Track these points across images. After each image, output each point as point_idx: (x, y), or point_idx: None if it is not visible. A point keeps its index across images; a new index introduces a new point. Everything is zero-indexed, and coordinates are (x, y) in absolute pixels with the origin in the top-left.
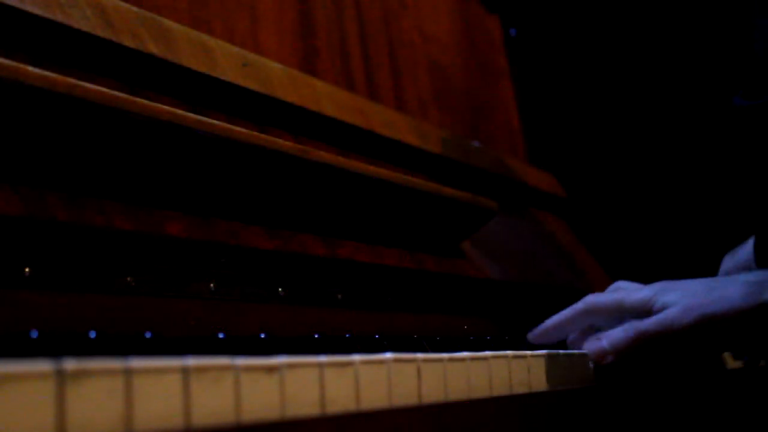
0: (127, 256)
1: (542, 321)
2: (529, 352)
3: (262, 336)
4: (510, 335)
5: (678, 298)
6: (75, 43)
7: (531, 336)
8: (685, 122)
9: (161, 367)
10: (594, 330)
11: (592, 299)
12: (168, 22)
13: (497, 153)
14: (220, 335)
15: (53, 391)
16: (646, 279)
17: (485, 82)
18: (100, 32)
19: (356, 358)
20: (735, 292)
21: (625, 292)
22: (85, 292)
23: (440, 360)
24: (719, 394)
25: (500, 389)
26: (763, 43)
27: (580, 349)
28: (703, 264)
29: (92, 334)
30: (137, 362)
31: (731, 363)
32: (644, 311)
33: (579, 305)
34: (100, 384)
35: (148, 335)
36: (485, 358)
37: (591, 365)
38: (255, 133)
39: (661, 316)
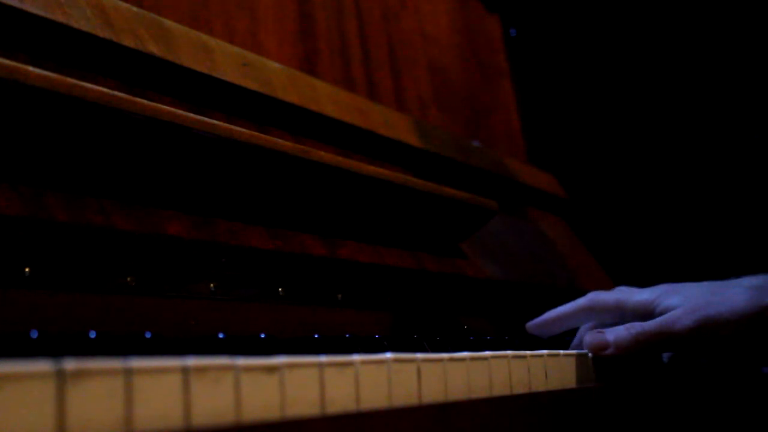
0: (127, 256)
1: None
2: (528, 352)
3: (262, 336)
4: (510, 335)
5: (680, 302)
6: (75, 43)
7: (530, 325)
8: (685, 122)
9: (161, 367)
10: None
11: (595, 296)
12: (168, 22)
13: (497, 153)
14: (220, 335)
15: (53, 391)
16: (646, 279)
17: (485, 82)
18: (100, 32)
19: (356, 358)
20: (737, 295)
21: (627, 292)
22: (85, 292)
23: (440, 360)
24: (721, 394)
25: (500, 389)
26: None
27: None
28: (703, 264)
29: (92, 334)
30: (137, 362)
31: None
32: (646, 313)
33: (582, 300)
34: (100, 384)
35: (148, 335)
36: (485, 358)
37: (590, 355)
38: (255, 133)
39: (663, 318)
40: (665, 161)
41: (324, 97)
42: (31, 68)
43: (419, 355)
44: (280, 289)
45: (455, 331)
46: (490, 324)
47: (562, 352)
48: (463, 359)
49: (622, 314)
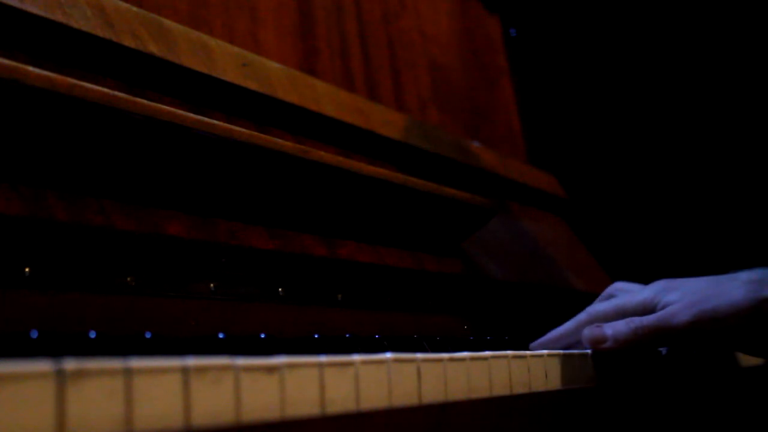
0: (127, 256)
1: (542, 321)
2: (529, 353)
3: (262, 336)
4: (510, 335)
5: (679, 297)
6: (75, 43)
7: (534, 345)
8: (685, 122)
9: (161, 367)
10: None
11: (593, 309)
12: (168, 22)
13: (497, 153)
14: (220, 335)
15: (53, 391)
16: (646, 279)
17: (485, 82)
18: (100, 32)
19: (356, 358)
20: (735, 290)
21: (626, 296)
22: (85, 292)
23: (440, 360)
24: (722, 394)
25: (500, 389)
26: None
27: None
28: (703, 263)
29: (92, 334)
30: (137, 362)
31: (746, 361)
32: (646, 312)
33: (581, 316)
34: (100, 384)
35: (148, 335)
36: (485, 358)
37: (590, 354)
38: (255, 133)
39: (661, 313)
40: (665, 161)
41: (324, 97)
42: (31, 68)
43: (419, 355)
44: (280, 289)
45: (455, 331)
46: (489, 324)
47: (562, 352)
48: (463, 359)
49: (623, 318)
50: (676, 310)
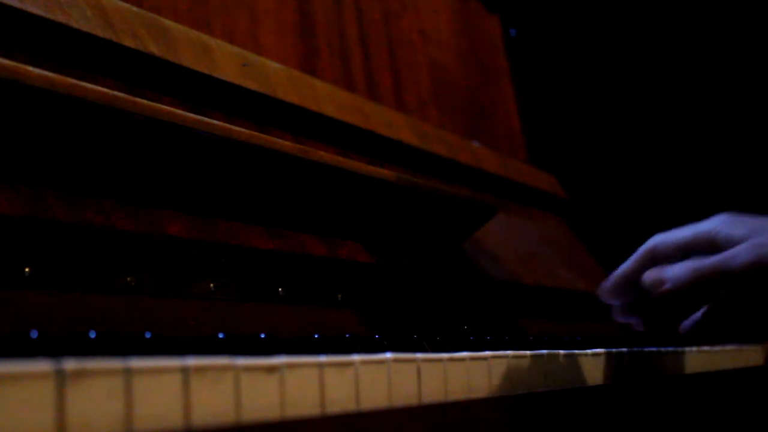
0: (127, 256)
1: (541, 320)
2: (528, 352)
3: (262, 336)
4: (510, 335)
5: (747, 232)
6: (75, 43)
7: (601, 292)
8: (686, 122)
9: (161, 367)
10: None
11: (657, 237)
12: (168, 22)
13: (497, 153)
14: (220, 335)
15: (53, 391)
16: None
17: (485, 82)
18: (100, 32)
19: (356, 358)
20: None
21: (687, 228)
22: (85, 292)
23: (440, 360)
24: (723, 394)
25: (500, 389)
26: None
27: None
28: None
29: (92, 334)
30: (137, 362)
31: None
32: (707, 245)
33: (643, 247)
34: (100, 384)
35: (148, 335)
36: (485, 358)
37: (590, 352)
38: (255, 133)
39: (723, 254)
40: (665, 161)
41: (324, 97)
42: (31, 68)
43: (419, 355)
44: (280, 289)
45: (455, 331)
46: (489, 324)
47: (561, 352)
48: (462, 359)
49: (686, 253)
50: (739, 250)
